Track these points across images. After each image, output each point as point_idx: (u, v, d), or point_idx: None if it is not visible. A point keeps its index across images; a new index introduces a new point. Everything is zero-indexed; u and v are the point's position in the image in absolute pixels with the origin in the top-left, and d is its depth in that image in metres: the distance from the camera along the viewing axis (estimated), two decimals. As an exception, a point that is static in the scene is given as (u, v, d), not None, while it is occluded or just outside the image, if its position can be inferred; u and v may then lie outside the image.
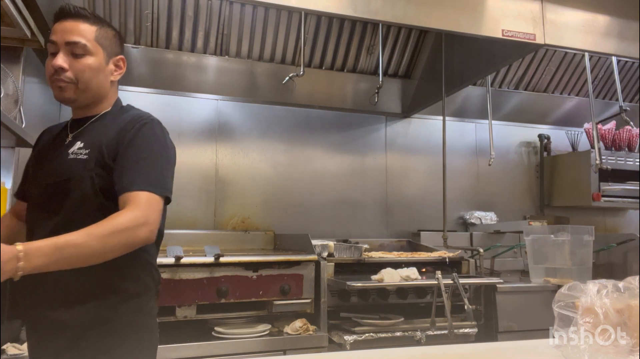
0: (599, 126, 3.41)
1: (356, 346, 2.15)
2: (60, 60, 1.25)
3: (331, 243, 2.44)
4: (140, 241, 1.14)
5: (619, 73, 3.22)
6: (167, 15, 2.76)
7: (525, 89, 3.64)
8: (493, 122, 3.30)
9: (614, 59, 3.12)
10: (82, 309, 1.18)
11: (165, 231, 1.38)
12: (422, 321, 2.30)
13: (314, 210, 3.16)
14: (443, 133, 3.03)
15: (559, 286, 1.13)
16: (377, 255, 2.52)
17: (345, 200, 3.24)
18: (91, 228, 1.09)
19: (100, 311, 1.19)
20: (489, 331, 2.50)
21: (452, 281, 2.21)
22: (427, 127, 3.48)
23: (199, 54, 2.95)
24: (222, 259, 2.09)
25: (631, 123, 3.20)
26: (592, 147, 3.26)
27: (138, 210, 1.15)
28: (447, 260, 2.51)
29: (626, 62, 3.52)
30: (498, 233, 3.30)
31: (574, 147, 3.67)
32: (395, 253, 2.68)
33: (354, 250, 2.58)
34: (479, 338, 2.40)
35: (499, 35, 2.20)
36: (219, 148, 3.04)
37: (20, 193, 1.41)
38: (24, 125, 1.92)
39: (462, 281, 2.23)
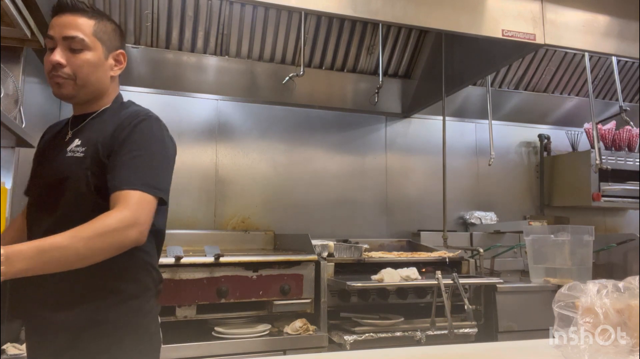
0: (599, 126, 3.41)
1: (356, 346, 2.15)
2: (58, 55, 1.22)
3: (331, 243, 2.44)
4: (129, 243, 1.10)
5: (619, 73, 3.22)
6: (167, 15, 2.76)
7: (525, 89, 3.64)
8: (493, 122, 3.30)
9: (614, 59, 3.12)
10: (79, 310, 1.17)
11: (166, 231, 1.37)
12: (422, 321, 2.30)
13: (314, 210, 3.16)
14: (443, 133, 3.03)
15: (559, 286, 1.13)
16: (377, 255, 2.52)
17: (345, 200, 3.24)
18: (77, 229, 1.05)
19: (97, 312, 1.17)
20: (489, 331, 2.50)
21: (452, 281, 2.21)
22: (427, 127, 3.48)
23: (199, 54, 2.95)
24: (222, 259, 2.09)
25: (631, 123, 3.20)
26: (592, 147, 3.26)
27: (127, 210, 1.11)
28: (447, 260, 2.51)
29: (626, 62, 3.52)
30: (498, 233, 3.30)
31: (574, 147, 3.67)
32: (395, 253, 2.68)
33: (354, 250, 2.58)
34: (479, 338, 2.40)
35: (499, 35, 2.20)
36: (219, 148, 3.04)
37: (27, 191, 1.39)
38: (24, 125, 1.92)
39: (462, 281, 2.23)
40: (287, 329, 2.17)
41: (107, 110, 1.32)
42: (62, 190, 1.20)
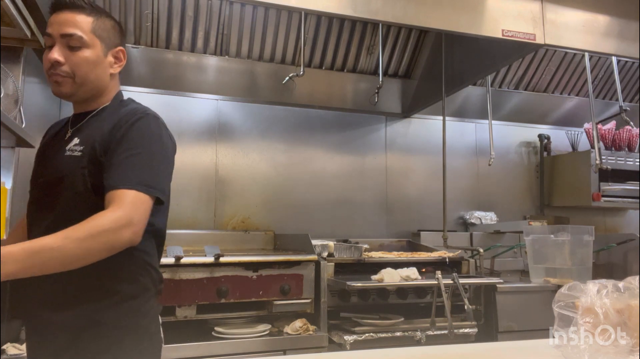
0: (599, 126, 3.41)
1: (356, 346, 2.15)
2: (56, 53, 1.21)
3: (331, 243, 2.44)
4: (122, 243, 1.08)
5: (619, 73, 3.22)
6: (167, 15, 2.76)
7: (525, 89, 3.64)
8: (493, 122, 3.30)
9: (614, 59, 3.12)
10: (77, 310, 1.16)
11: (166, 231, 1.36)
12: (422, 321, 2.30)
13: (314, 210, 3.16)
14: (443, 133, 3.03)
15: (559, 286, 1.13)
16: (377, 255, 2.52)
17: (345, 200, 3.24)
18: (69, 230, 1.03)
19: (96, 312, 1.16)
20: (489, 331, 2.50)
21: (452, 281, 2.21)
22: (427, 127, 3.48)
23: (199, 54, 2.95)
24: (222, 259, 2.09)
25: (631, 123, 3.20)
26: (592, 147, 3.26)
27: (121, 210, 1.08)
28: (447, 260, 2.51)
29: (626, 62, 3.52)
30: (498, 233, 3.30)
31: (574, 147, 3.67)
32: (395, 253, 2.68)
33: (354, 250, 2.58)
34: (479, 338, 2.40)
35: (499, 35, 2.20)
36: (219, 148, 3.04)
37: (30, 189, 1.39)
38: (24, 125, 1.92)
39: (462, 281, 2.23)
40: (287, 329, 2.17)
41: (107, 108, 1.30)
42: (60, 189, 1.19)
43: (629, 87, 3.77)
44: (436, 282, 2.20)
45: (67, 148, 1.23)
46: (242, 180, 3.06)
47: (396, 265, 2.34)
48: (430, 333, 2.26)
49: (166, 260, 2.01)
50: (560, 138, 3.73)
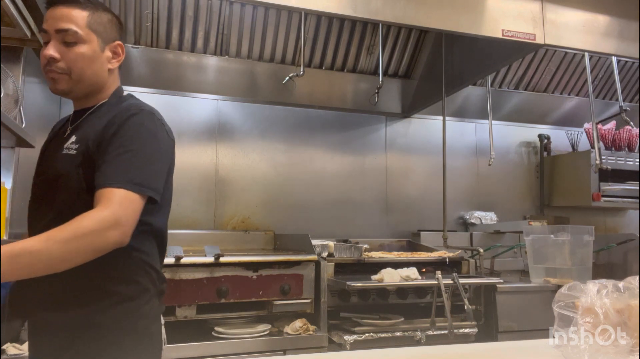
0: (599, 126, 3.41)
1: (356, 346, 2.15)
2: (51, 49, 1.18)
3: (331, 243, 2.44)
4: (109, 244, 1.04)
5: (619, 73, 3.22)
6: (167, 15, 2.76)
7: (525, 89, 3.64)
8: (493, 122, 3.30)
9: (614, 59, 3.12)
10: (75, 311, 1.14)
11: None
12: (422, 321, 2.30)
13: (314, 210, 3.16)
14: (443, 133, 3.03)
15: (559, 286, 1.13)
16: (377, 255, 2.52)
17: (345, 200, 3.24)
18: (52, 232, 1.00)
19: (93, 313, 1.14)
20: (489, 331, 2.50)
21: (452, 281, 2.21)
22: (427, 127, 3.48)
23: (199, 54, 2.95)
24: (222, 259, 2.09)
25: (631, 123, 3.20)
26: (592, 147, 3.26)
27: (108, 210, 1.05)
28: (447, 260, 2.51)
29: (626, 62, 3.52)
30: (498, 233, 3.30)
31: (574, 147, 3.67)
32: (395, 253, 2.68)
33: (354, 250, 2.58)
34: (479, 338, 2.40)
35: (499, 35, 2.20)
36: (219, 148, 3.04)
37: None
38: (24, 125, 1.92)
39: (462, 281, 2.23)
40: (287, 329, 2.17)
41: (105, 104, 1.27)
42: (57, 188, 1.18)
43: (629, 87, 3.77)
44: (436, 282, 2.20)
45: (65, 146, 1.21)
46: (242, 180, 3.06)
47: (396, 265, 2.34)
48: (430, 333, 2.26)
49: (166, 260, 1.98)
50: (560, 138, 3.73)
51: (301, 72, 2.86)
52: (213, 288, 2.08)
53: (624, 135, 3.43)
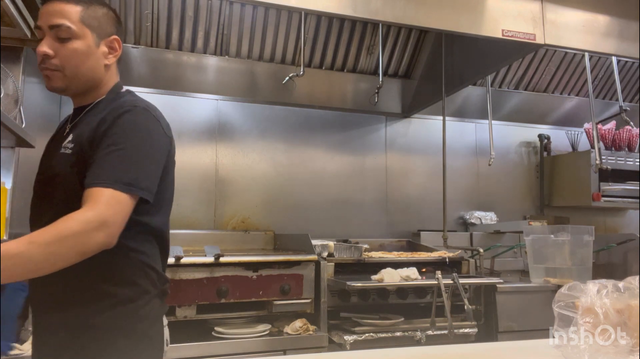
0: (599, 126, 3.41)
1: (356, 346, 2.15)
2: (45, 46, 1.15)
3: (331, 243, 2.44)
4: (94, 247, 1.01)
5: (619, 73, 3.22)
6: (167, 15, 2.76)
7: (525, 89, 3.64)
8: (493, 122, 3.30)
9: (614, 59, 3.12)
10: (71, 312, 1.13)
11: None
12: (422, 321, 2.30)
13: (314, 210, 3.16)
14: (443, 133, 3.03)
15: (559, 286, 1.13)
16: (377, 255, 2.52)
17: (345, 200, 3.24)
18: (34, 234, 0.97)
19: (90, 315, 1.12)
20: (489, 331, 2.50)
21: (452, 281, 2.21)
22: (427, 127, 3.48)
23: (199, 54, 2.95)
24: (222, 259, 2.09)
25: (631, 123, 3.20)
26: (592, 147, 3.26)
27: (93, 210, 1.01)
28: (447, 260, 2.51)
29: (626, 62, 3.52)
30: (498, 233, 3.30)
31: (574, 147, 3.67)
32: (395, 253, 2.68)
33: (354, 250, 2.58)
34: (479, 338, 2.40)
35: (499, 35, 2.20)
36: (219, 148, 3.04)
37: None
38: (24, 125, 1.92)
39: (462, 281, 2.23)
40: (287, 329, 2.17)
41: (102, 101, 1.24)
42: (55, 188, 1.16)
43: (629, 87, 3.77)
44: (436, 282, 2.20)
45: (62, 145, 1.19)
46: (242, 180, 3.06)
47: (396, 265, 2.34)
48: (430, 333, 2.26)
49: (166, 260, 2.00)
50: (560, 138, 3.73)
51: (301, 72, 2.86)
52: (213, 288, 2.08)
53: (624, 135, 3.43)
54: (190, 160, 2.95)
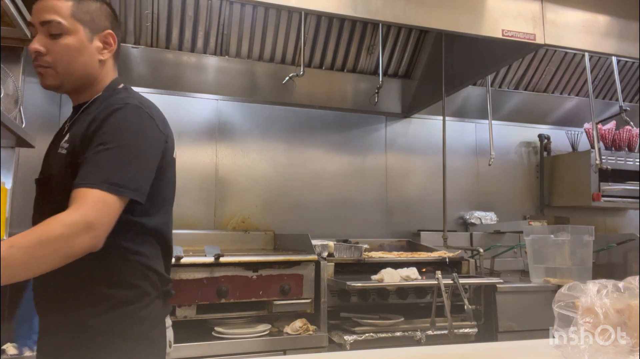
0: (599, 126, 3.41)
1: (356, 346, 2.15)
2: (36, 43, 1.12)
3: (331, 243, 2.44)
4: (79, 250, 0.97)
5: (619, 73, 3.22)
6: (167, 15, 2.76)
7: (525, 89, 3.64)
8: (493, 122, 3.31)
9: (614, 59, 3.12)
10: (70, 314, 1.12)
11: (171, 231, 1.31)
12: (422, 321, 2.30)
13: (314, 210, 3.16)
14: (443, 133, 3.03)
15: (559, 286, 1.13)
16: (377, 255, 2.52)
17: (345, 200, 3.24)
18: (17, 237, 0.93)
19: (90, 317, 1.10)
20: (489, 331, 2.50)
21: (452, 281, 2.21)
22: (427, 127, 3.48)
23: (199, 54, 2.95)
24: (222, 259, 2.09)
25: (631, 123, 3.20)
26: (592, 147, 3.26)
27: (78, 212, 0.98)
28: (447, 260, 2.51)
29: (626, 62, 3.52)
30: (498, 233, 3.30)
31: (574, 147, 3.67)
32: (395, 253, 2.68)
33: (354, 250, 2.58)
34: (479, 338, 2.40)
35: (499, 35, 2.20)
36: (219, 148, 3.04)
37: None
38: (24, 125, 1.92)
39: (462, 281, 2.23)
40: (287, 329, 2.17)
41: (98, 99, 1.20)
42: (53, 188, 1.15)
43: (629, 87, 3.77)
44: (436, 282, 2.20)
45: (60, 144, 1.17)
46: (242, 180, 3.06)
47: (396, 265, 2.34)
48: (430, 333, 2.26)
49: (166, 260, 2.00)
50: (560, 138, 3.73)
51: (301, 72, 2.86)
52: (213, 288, 2.08)
53: (624, 135, 3.43)
54: (190, 160, 2.95)
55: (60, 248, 0.96)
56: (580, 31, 2.33)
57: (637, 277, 1.09)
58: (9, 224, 1.87)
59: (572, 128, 3.74)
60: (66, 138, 1.17)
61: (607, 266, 3.16)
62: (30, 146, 1.88)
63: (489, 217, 3.43)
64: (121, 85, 1.25)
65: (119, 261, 1.12)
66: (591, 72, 3.32)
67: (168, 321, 1.27)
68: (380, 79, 3.09)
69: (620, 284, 1.07)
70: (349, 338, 2.15)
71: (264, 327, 2.15)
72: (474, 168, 3.55)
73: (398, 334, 2.25)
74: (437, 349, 1.33)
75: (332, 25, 3.04)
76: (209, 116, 3.04)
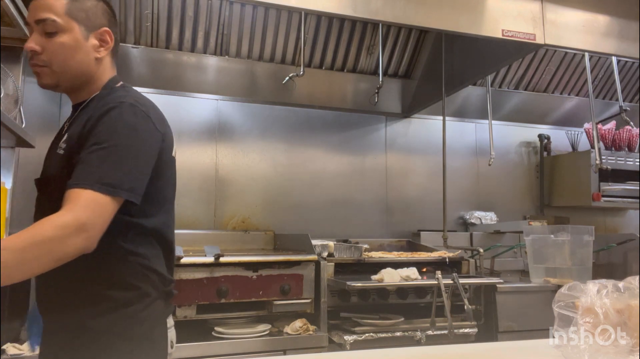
0: (599, 126, 3.41)
1: (356, 346, 2.15)
2: (32, 41, 1.12)
3: (331, 243, 2.44)
4: (71, 252, 0.96)
5: (619, 73, 3.22)
6: (167, 15, 2.76)
7: (525, 89, 3.64)
8: (493, 122, 3.31)
9: (614, 59, 3.12)
10: (69, 314, 1.12)
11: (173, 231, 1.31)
12: (422, 321, 2.30)
13: (314, 210, 3.16)
14: (443, 133, 3.03)
15: (559, 286, 1.13)
16: (377, 255, 2.52)
17: (345, 200, 3.24)
18: (9, 239, 0.92)
19: (86, 318, 1.10)
20: (489, 331, 2.50)
21: (452, 281, 2.21)
22: (427, 127, 3.48)
23: (199, 54, 2.95)
24: (222, 259, 2.09)
25: (631, 123, 3.21)
26: (592, 147, 3.26)
27: (71, 213, 0.96)
28: (447, 260, 2.51)
29: (626, 62, 3.52)
30: (498, 233, 3.30)
31: (574, 147, 3.67)
32: (395, 253, 2.68)
33: (354, 250, 2.58)
34: (479, 338, 2.40)
35: (499, 35, 2.20)
36: (219, 148, 3.04)
37: None
38: (24, 125, 1.92)
39: (462, 281, 2.23)
40: (287, 329, 2.17)
41: (96, 97, 1.19)
42: (52, 189, 1.13)
43: (629, 87, 3.77)
44: (436, 282, 2.20)
45: (58, 145, 1.16)
46: (242, 180, 3.06)
47: (396, 265, 2.34)
48: (430, 333, 2.26)
49: (166, 260, 2.00)
50: (560, 138, 3.73)
51: (301, 72, 2.86)
52: (213, 288, 2.08)
53: (624, 135, 3.43)
54: (190, 160, 2.95)
55: (52, 249, 0.94)
56: (580, 31, 2.33)
57: (637, 277, 1.09)
58: (9, 224, 1.87)
59: (572, 128, 3.74)
60: (64, 138, 1.16)
61: (607, 266, 3.16)
62: (30, 146, 1.88)
63: (489, 217, 3.43)
64: (119, 83, 1.24)
65: (118, 262, 1.12)
66: (591, 72, 3.32)
67: (170, 322, 1.26)
68: (380, 79, 3.09)
69: (620, 284, 1.07)
70: (349, 338, 2.15)
71: (264, 327, 2.15)
72: (474, 168, 3.55)
73: (398, 334, 2.25)
74: (437, 349, 1.33)
75: (332, 25, 3.04)
76: (209, 116, 3.04)
